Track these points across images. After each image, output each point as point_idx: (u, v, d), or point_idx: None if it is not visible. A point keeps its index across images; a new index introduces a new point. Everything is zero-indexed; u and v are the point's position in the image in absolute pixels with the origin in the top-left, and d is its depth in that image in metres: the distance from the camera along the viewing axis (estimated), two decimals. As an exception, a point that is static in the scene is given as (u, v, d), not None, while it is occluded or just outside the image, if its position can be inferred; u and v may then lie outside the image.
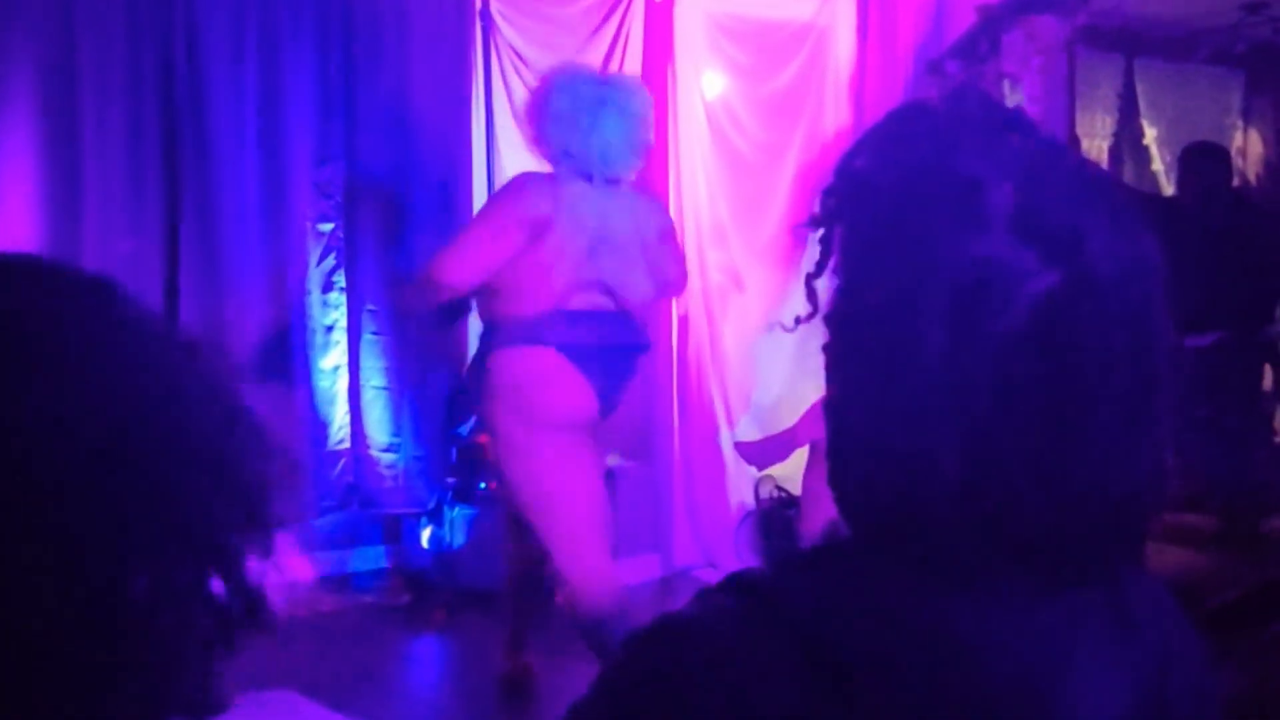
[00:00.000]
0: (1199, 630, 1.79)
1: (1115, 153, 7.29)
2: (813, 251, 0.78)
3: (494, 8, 4.90)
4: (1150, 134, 7.21)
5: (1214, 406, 5.19)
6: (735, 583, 0.73)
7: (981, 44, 5.01)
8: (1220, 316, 5.08)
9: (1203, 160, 5.31)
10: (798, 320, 0.79)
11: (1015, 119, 0.76)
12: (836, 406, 0.77)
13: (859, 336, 0.74)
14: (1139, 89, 7.13)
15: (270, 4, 4.40)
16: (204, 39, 4.27)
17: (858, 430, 0.74)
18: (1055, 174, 0.72)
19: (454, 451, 4.77)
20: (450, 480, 4.69)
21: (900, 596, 0.69)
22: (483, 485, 4.65)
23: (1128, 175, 7.22)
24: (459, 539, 4.63)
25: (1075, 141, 5.55)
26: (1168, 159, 6.76)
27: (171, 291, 4.27)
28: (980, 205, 0.69)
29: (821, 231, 0.77)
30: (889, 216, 0.73)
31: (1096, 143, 7.06)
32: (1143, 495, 0.72)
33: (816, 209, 0.78)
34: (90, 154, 4.11)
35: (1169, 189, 6.55)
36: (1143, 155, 7.30)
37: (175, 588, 0.64)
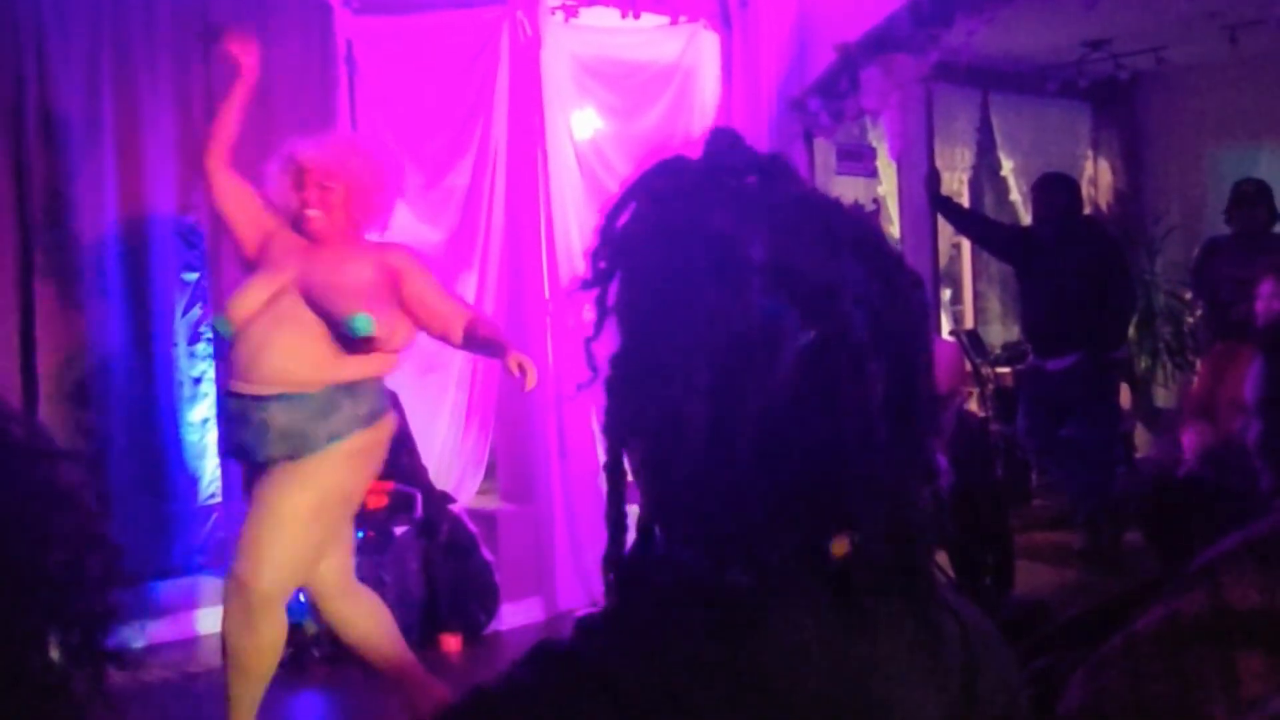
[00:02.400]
0: (1043, 649, 1.83)
1: (975, 184, 7.56)
2: (588, 314, 0.77)
3: (359, 50, 4.88)
4: (1007, 165, 7.49)
5: (1074, 427, 5.38)
6: (541, 653, 0.73)
7: (841, 81, 5.15)
8: (1077, 339, 5.28)
9: (1054, 190, 5.53)
10: (579, 387, 0.78)
11: (770, 165, 0.77)
12: (613, 468, 0.77)
13: (632, 399, 0.75)
14: (995, 122, 7.41)
15: (125, 48, 4.31)
16: (57, 92, 4.16)
17: (640, 481, 0.76)
18: (809, 225, 0.73)
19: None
20: (327, 530, 4.59)
21: (697, 636, 0.69)
22: (360, 534, 4.56)
23: (988, 205, 7.49)
24: (337, 590, 4.53)
25: (936, 174, 5.73)
26: (1024, 189, 7.03)
27: (28, 346, 4.13)
28: (735, 263, 0.70)
29: (597, 293, 0.77)
30: (656, 278, 0.74)
31: (957, 175, 7.31)
32: (922, 530, 0.75)
33: (588, 271, 0.77)
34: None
35: (1027, 218, 6.79)
36: (1001, 186, 7.58)
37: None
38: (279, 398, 3.19)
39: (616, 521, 0.76)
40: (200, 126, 4.39)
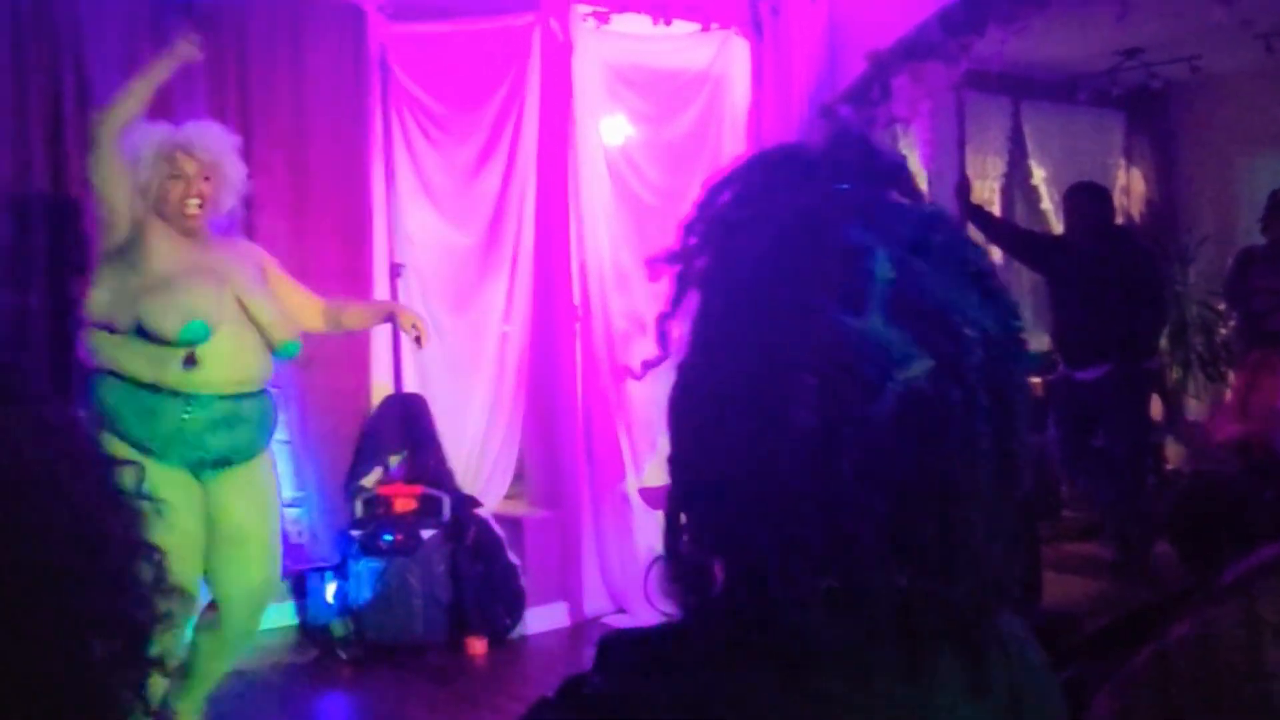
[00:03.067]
0: (1070, 660, 1.82)
1: (1006, 193, 7.52)
2: (667, 288, 0.73)
3: (393, 58, 4.91)
4: (1039, 174, 7.44)
5: (1105, 437, 5.34)
6: (574, 698, 0.70)
7: (873, 89, 5.14)
8: (1108, 350, 5.25)
9: (1085, 199, 5.50)
10: (645, 365, 0.74)
11: (895, 172, 0.73)
12: (683, 464, 0.71)
13: (717, 397, 0.69)
14: (1027, 131, 7.37)
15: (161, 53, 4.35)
16: (93, 92, 4.20)
17: (711, 503, 0.70)
18: (936, 247, 0.68)
19: (359, 504, 4.71)
20: (355, 533, 4.63)
21: (752, 693, 0.66)
22: (388, 537, 4.60)
23: (1019, 215, 7.45)
24: (365, 593, 4.56)
25: (966, 183, 5.71)
26: (1056, 198, 6.98)
27: (61, 345, 4.17)
28: (858, 279, 0.66)
29: (680, 268, 0.72)
30: (762, 272, 0.68)
31: (988, 183, 7.27)
32: (997, 582, 0.71)
33: (676, 244, 0.73)
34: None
35: (1058, 228, 6.75)
36: (1033, 195, 7.53)
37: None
38: (258, 394, 3.34)
39: (675, 526, 0.72)
40: (235, 131, 4.44)
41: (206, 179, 3.26)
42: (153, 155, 3.22)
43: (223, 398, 3.20)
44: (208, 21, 3.40)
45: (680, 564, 0.71)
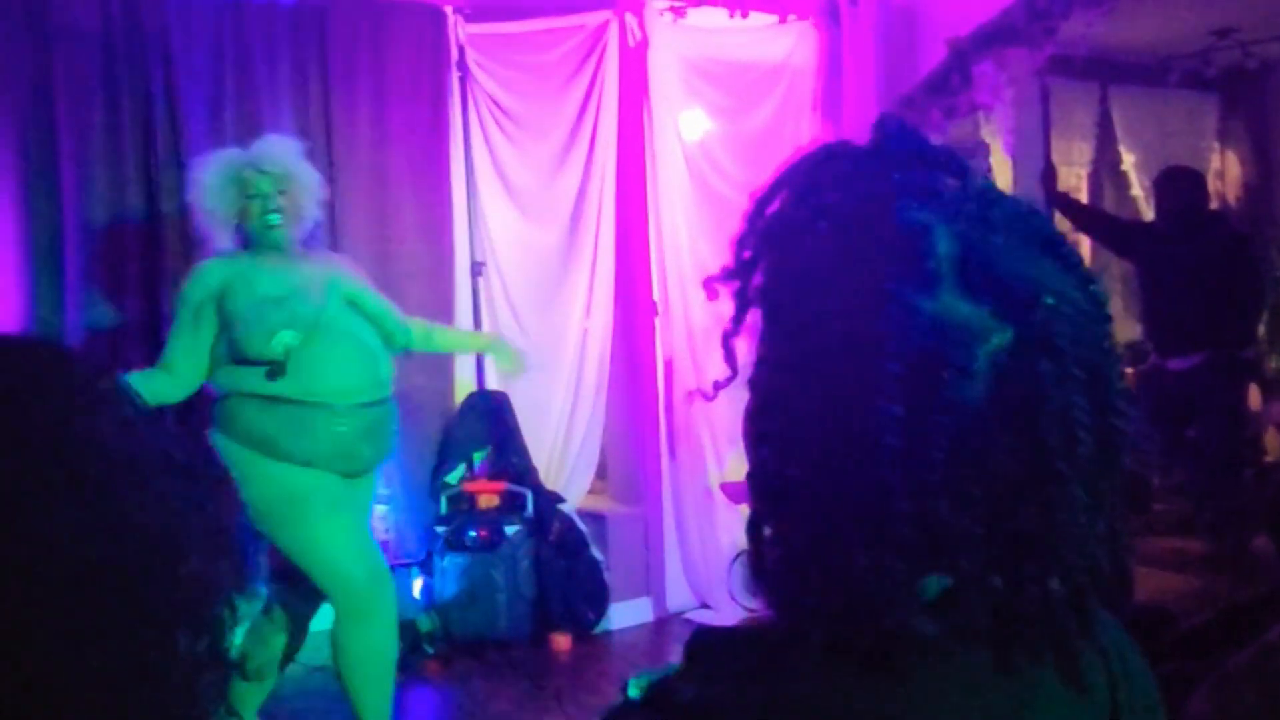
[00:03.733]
0: (1165, 657, 1.77)
1: (1094, 180, 7.35)
2: (729, 307, 0.71)
3: (470, 57, 4.95)
4: (1128, 160, 7.26)
5: (1199, 428, 5.20)
6: (662, 701, 0.68)
7: (953, 77, 5.06)
8: (1202, 338, 5.11)
9: (1178, 184, 5.35)
10: (716, 386, 0.73)
11: (945, 157, 0.70)
12: (768, 481, 0.69)
13: (795, 401, 0.67)
14: (1115, 116, 7.19)
15: (246, 62, 4.44)
16: (182, 100, 4.30)
17: (797, 511, 0.68)
18: (997, 218, 0.66)
19: (443, 501, 4.76)
20: (440, 529, 4.68)
21: (848, 700, 0.65)
22: (473, 534, 4.64)
23: (1108, 201, 7.27)
24: (450, 588, 4.61)
25: (1052, 170, 5.59)
26: (1146, 184, 6.81)
27: (153, 359, 4.28)
28: (925, 258, 0.63)
29: (738, 285, 0.71)
30: (822, 268, 0.67)
31: (1075, 170, 7.11)
32: (1100, 570, 0.68)
33: (730, 260, 0.72)
34: (71, 217, 4.14)
35: (1149, 214, 6.58)
36: (1122, 181, 7.35)
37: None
38: (389, 400, 3.32)
39: (759, 541, 0.70)
40: (317, 137, 4.52)
41: (282, 192, 3.24)
42: (221, 182, 3.22)
43: (364, 405, 3.19)
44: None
45: (768, 579, 0.70)
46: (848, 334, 0.64)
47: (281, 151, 3.30)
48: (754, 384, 0.70)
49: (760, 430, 0.70)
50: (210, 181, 3.23)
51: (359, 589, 3.16)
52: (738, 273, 0.71)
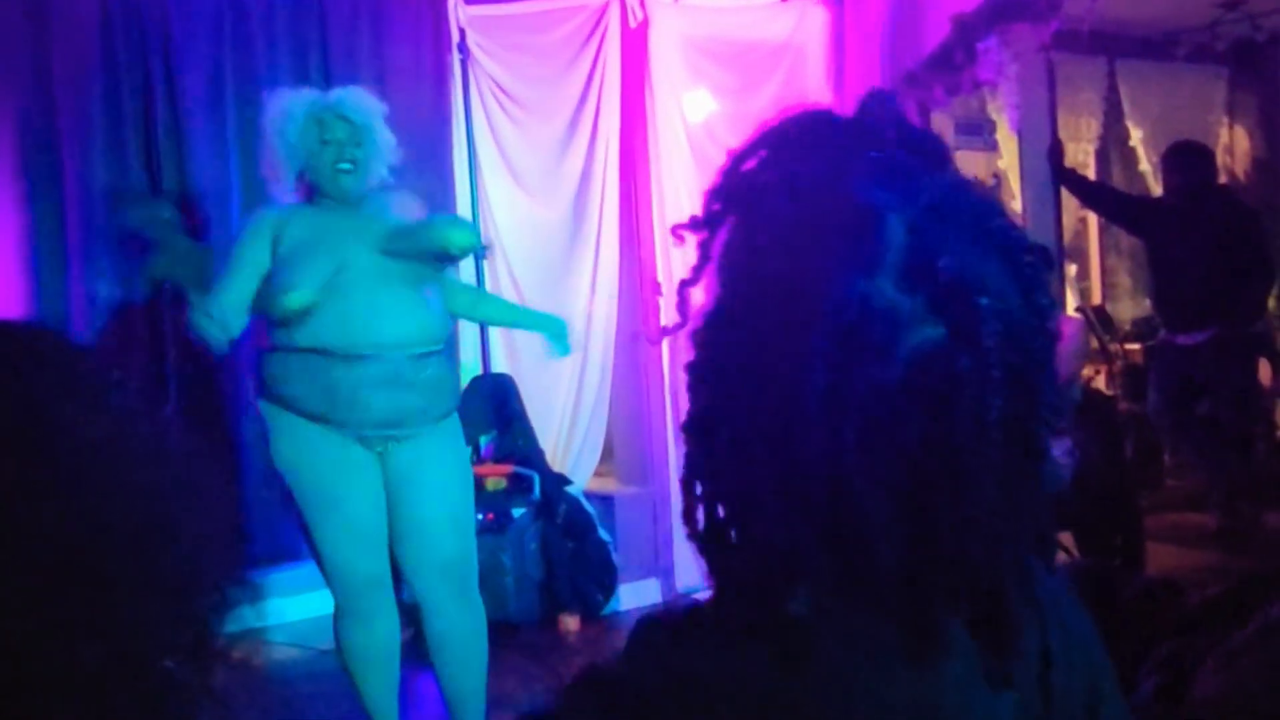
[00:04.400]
0: (1173, 631, 1.76)
1: (1102, 155, 7.31)
2: (690, 257, 0.72)
3: (471, 39, 4.93)
4: (1136, 135, 7.21)
5: (1210, 403, 5.18)
6: (592, 685, 0.71)
7: (958, 53, 5.02)
8: (1211, 313, 5.08)
9: (1186, 159, 5.32)
10: (664, 331, 0.75)
11: (926, 142, 0.71)
12: (698, 431, 0.71)
13: (732, 359, 0.68)
14: (1122, 90, 7.14)
15: (246, 47, 4.43)
16: (181, 82, 4.30)
17: (720, 462, 0.70)
18: (957, 214, 0.67)
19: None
20: (448, 512, 4.67)
21: (750, 676, 0.66)
22: (480, 516, 4.64)
23: (1116, 177, 7.23)
24: (458, 571, 4.61)
25: (1059, 146, 5.55)
26: (1154, 160, 6.77)
27: (156, 338, 4.28)
28: (874, 240, 0.65)
29: (704, 235, 0.72)
30: (777, 233, 0.67)
31: (1083, 146, 7.07)
32: (1017, 563, 0.68)
33: (700, 211, 0.72)
34: (73, 199, 4.14)
35: (1157, 189, 6.55)
36: (1130, 156, 7.31)
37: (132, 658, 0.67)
38: (429, 356, 3.03)
39: (691, 495, 0.72)
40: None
41: (358, 144, 3.05)
42: (302, 120, 3.00)
43: (388, 357, 2.92)
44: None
45: (698, 534, 0.71)
46: (787, 300, 0.65)
47: (365, 103, 3.12)
48: (695, 336, 0.71)
49: (696, 380, 0.71)
50: (291, 115, 3.01)
51: (357, 590, 3.00)
52: (705, 224, 0.72)
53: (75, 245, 4.14)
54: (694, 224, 0.72)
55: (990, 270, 0.66)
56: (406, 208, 3.19)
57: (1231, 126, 7.58)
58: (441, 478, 3.08)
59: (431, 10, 4.84)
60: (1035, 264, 0.68)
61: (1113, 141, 7.26)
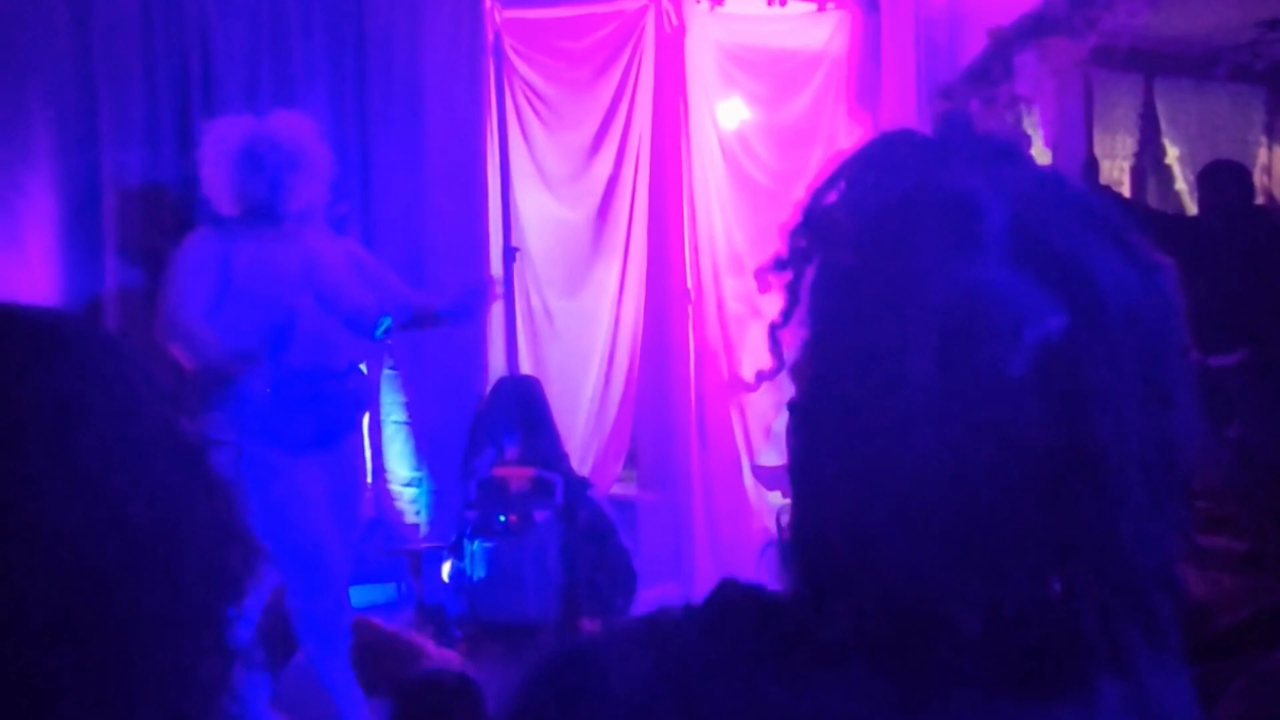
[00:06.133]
0: (1198, 655, 1.75)
1: (1137, 173, 7.24)
2: (778, 299, 0.69)
3: (506, 42, 4.95)
4: (1172, 153, 7.15)
5: (1241, 426, 5.12)
6: (650, 628, 0.69)
7: (994, 68, 5.00)
8: (1244, 335, 5.02)
9: (1222, 178, 5.27)
10: (760, 376, 0.69)
11: (1008, 148, 0.68)
12: (802, 470, 0.67)
13: (831, 387, 0.64)
14: (1159, 108, 7.08)
15: (283, 46, 4.46)
16: (219, 80, 4.33)
17: (824, 499, 0.64)
18: (1056, 198, 0.63)
19: (473, 485, 4.77)
20: (470, 513, 4.69)
21: (812, 699, 0.61)
22: (502, 518, 4.65)
23: (1151, 195, 7.17)
24: (479, 572, 4.62)
25: (1094, 163, 5.53)
26: (1190, 179, 6.71)
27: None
28: (973, 224, 0.60)
29: (790, 276, 0.68)
30: (869, 248, 0.64)
31: (1118, 163, 7.02)
32: (1157, 584, 0.61)
33: (783, 250, 0.69)
34: (109, 189, 4.18)
35: (1193, 208, 6.49)
36: (1165, 175, 7.24)
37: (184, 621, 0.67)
38: (344, 373, 3.35)
39: (797, 532, 0.67)
40: (352, 120, 4.53)
41: (292, 169, 3.21)
42: (234, 151, 3.20)
43: (307, 375, 3.14)
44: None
45: (795, 565, 0.67)
46: (888, 313, 0.60)
47: (297, 128, 3.29)
48: (795, 371, 0.67)
49: (799, 420, 0.67)
50: (219, 148, 3.23)
51: (304, 562, 3.18)
52: (790, 263, 0.68)
53: (111, 238, 4.18)
54: (779, 263, 0.68)
55: (1100, 243, 0.61)
56: (344, 250, 3.49)
57: (1270, 147, 7.50)
58: (338, 493, 3.40)
59: (468, 12, 4.86)
60: (1144, 243, 0.64)
61: (1148, 159, 7.20)
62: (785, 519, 0.67)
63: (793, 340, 0.67)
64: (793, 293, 0.68)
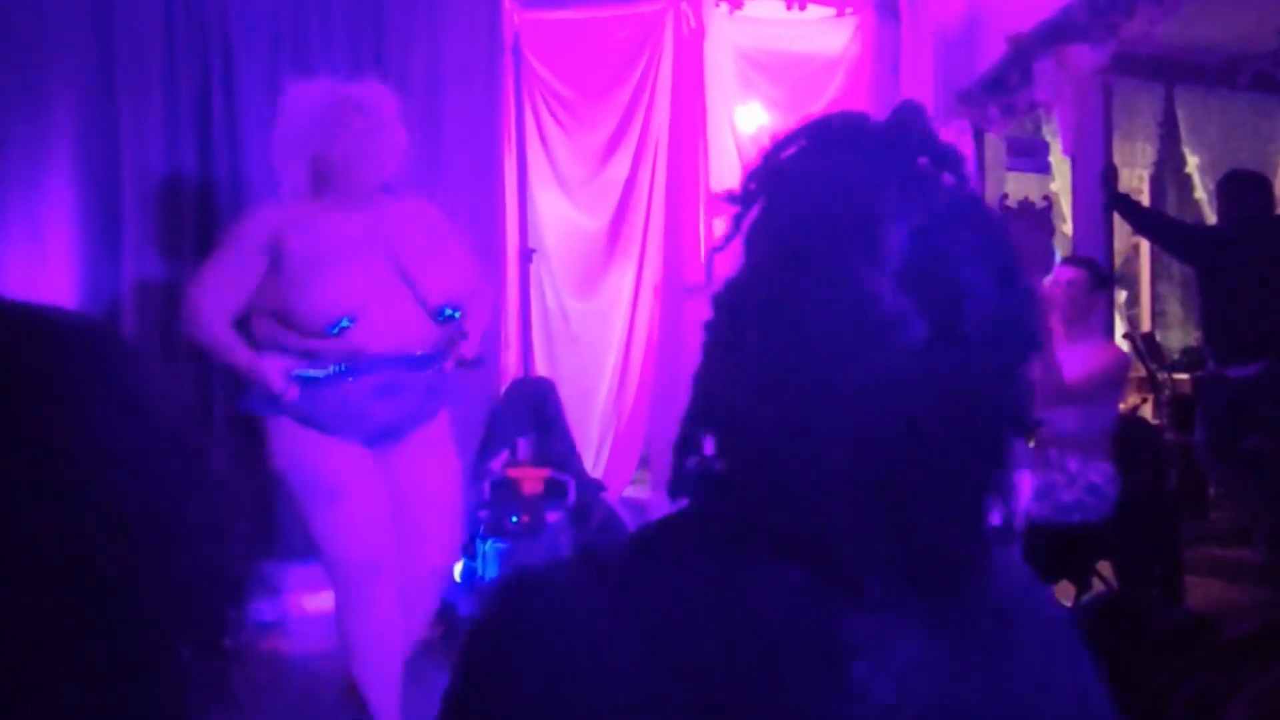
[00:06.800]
0: (1206, 666, 1.73)
1: (1157, 182, 7.22)
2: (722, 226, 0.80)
3: (526, 45, 4.96)
4: (1192, 162, 7.12)
5: (1258, 437, 5.09)
6: (588, 556, 0.80)
7: (1013, 74, 4.98)
8: (1263, 346, 4.99)
9: (1241, 188, 5.23)
10: (689, 290, 0.81)
11: (948, 156, 0.77)
12: (703, 381, 0.80)
13: (744, 326, 0.76)
14: (1180, 116, 7.05)
15: (303, 47, 4.49)
16: (239, 79, 4.36)
17: (718, 411, 0.78)
18: (958, 224, 0.74)
19: (486, 485, 4.78)
20: (482, 513, 4.70)
21: (719, 575, 0.75)
22: (515, 519, 4.66)
23: (1170, 204, 7.14)
24: (491, 572, 4.63)
25: (1113, 171, 5.49)
26: (1210, 188, 6.67)
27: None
28: (878, 240, 0.71)
29: (737, 210, 0.79)
30: (798, 223, 0.75)
31: (1137, 172, 6.99)
32: (974, 544, 0.76)
33: (738, 187, 0.79)
34: (129, 186, 4.21)
35: (1212, 218, 6.46)
36: (1185, 183, 7.21)
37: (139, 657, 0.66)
38: (422, 359, 3.05)
39: (692, 439, 0.80)
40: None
41: (374, 138, 3.00)
42: (316, 110, 2.96)
43: (384, 364, 2.95)
44: None
45: (682, 464, 0.81)
46: (797, 281, 0.73)
47: (385, 99, 3.07)
48: (716, 298, 0.78)
49: (710, 338, 0.79)
50: (306, 104, 2.98)
51: (352, 578, 2.99)
52: (740, 199, 0.79)
53: (130, 235, 4.21)
54: (730, 198, 0.79)
55: (982, 273, 0.72)
56: (425, 218, 3.17)
57: (1291, 157, 7.46)
58: (438, 482, 3.13)
59: (487, 13, 4.88)
60: (1026, 287, 0.75)
61: (1168, 168, 7.17)
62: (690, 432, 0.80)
63: (722, 270, 0.79)
64: (736, 224, 0.78)
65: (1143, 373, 6.09)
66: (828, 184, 0.75)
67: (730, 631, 0.73)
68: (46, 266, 4.06)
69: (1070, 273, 4.15)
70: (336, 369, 2.94)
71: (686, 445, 0.80)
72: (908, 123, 0.78)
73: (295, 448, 2.97)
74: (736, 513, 0.77)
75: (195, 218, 4.33)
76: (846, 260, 0.72)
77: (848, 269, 0.71)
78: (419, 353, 3.03)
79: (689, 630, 0.73)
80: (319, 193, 3.00)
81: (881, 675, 0.74)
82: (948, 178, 0.76)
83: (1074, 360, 3.90)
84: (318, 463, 2.96)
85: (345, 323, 2.89)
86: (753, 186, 0.78)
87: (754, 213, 0.78)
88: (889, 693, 0.74)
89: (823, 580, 0.74)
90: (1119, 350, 4.80)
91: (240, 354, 2.96)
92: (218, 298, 2.95)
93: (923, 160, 0.76)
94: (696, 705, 0.71)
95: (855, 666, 0.73)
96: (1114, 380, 4.14)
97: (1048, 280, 4.06)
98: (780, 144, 0.78)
